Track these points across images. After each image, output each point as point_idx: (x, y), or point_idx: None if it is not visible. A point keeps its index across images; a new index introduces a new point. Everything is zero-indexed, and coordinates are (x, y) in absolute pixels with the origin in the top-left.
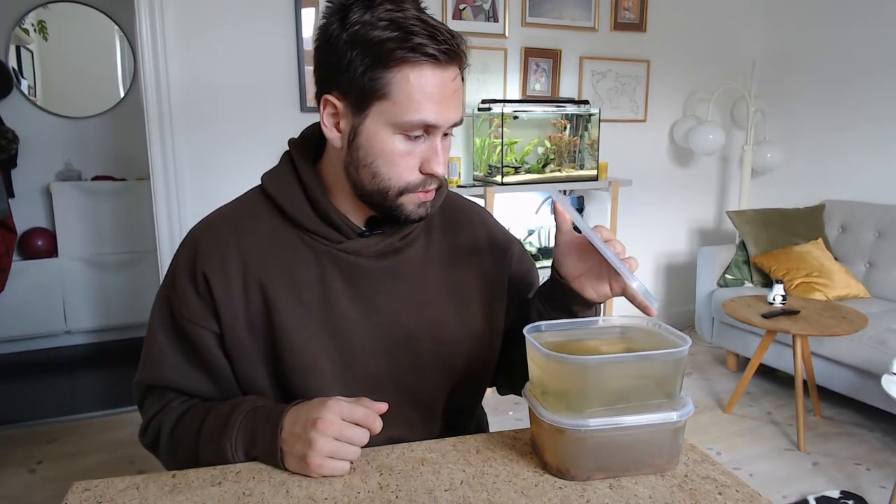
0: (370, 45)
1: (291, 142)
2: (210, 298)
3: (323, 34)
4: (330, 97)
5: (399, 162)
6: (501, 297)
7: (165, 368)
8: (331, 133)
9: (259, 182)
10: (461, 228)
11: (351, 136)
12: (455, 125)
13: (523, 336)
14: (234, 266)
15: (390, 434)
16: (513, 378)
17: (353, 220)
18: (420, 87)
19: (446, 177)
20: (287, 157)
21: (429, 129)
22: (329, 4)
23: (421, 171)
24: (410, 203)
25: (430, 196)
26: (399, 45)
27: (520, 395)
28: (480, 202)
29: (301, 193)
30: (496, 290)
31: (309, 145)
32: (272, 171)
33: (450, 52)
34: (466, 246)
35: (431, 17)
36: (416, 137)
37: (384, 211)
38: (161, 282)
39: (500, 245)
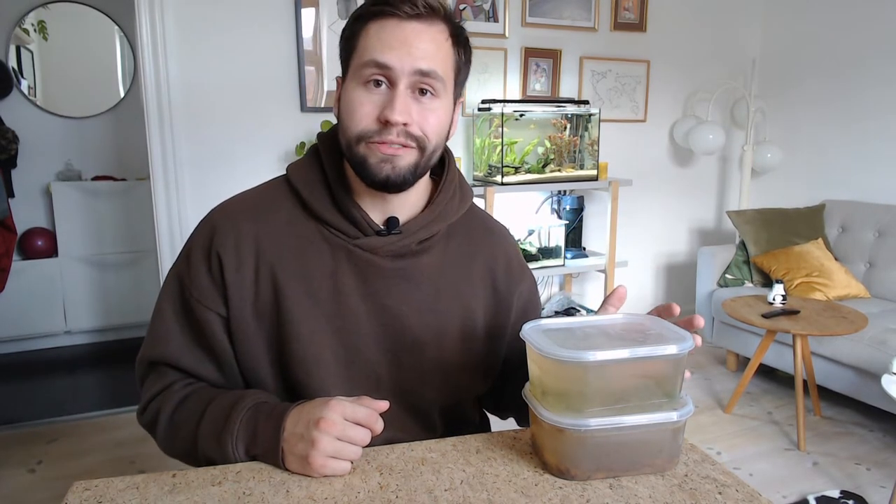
0: (352, 19)
1: (320, 135)
2: (221, 280)
3: None
4: (338, 77)
5: (357, 109)
6: (506, 322)
7: (170, 345)
8: (335, 110)
9: (260, 179)
10: (482, 244)
11: (340, 103)
12: (423, 75)
13: (507, 370)
14: (248, 251)
15: (387, 436)
16: (501, 403)
17: (373, 217)
18: (377, 34)
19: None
20: (314, 150)
21: (388, 75)
22: None
23: (378, 120)
24: (372, 155)
25: (391, 151)
26: (367, 8)
27: (502, 417)
28: (480, 202)
29: (323, 186)
30: (502, 311)
31: (336, 141)
32: (298, 162)
33: (413, 6)
34: (483, 262)
35: None
36: (377, 86)
37: (360, 172)
38: (162, 280)
39: (516, 271)
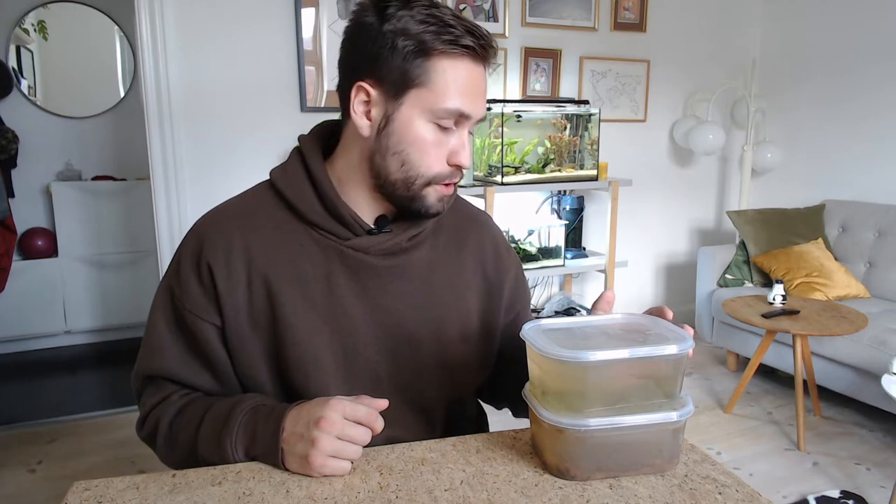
0: (411, 35)
1: (301, 138)
2: (213, 290)
3: (357, 25)
4: (364, 84)
5: (431, 151)
6: (498, 307)
7: (165, 359)
8: (360, 120)
9: (259, 179)
10: (469, 233)
11: (382, 124)
12: (480, 120)
13: (501, 358)
14: (239, 259)
15: (388, 434)
16: (496, 395)
17: (363, 217)
18: (456, 77)
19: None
20: (297, 152)
21: (460, 120)
22: (360, 2)
23: (448, 163)
24: (433, 195)
25: (451, 191)
26: (439, 37)
27: (497, 408)
28: (480, 202)
29: (310, 188)
30: (495, 298)
31: (319, 142)
32: (281, 166)
33: (485, 47)
34: (472, 251)
35: (466, 18)
36: (447, 129)
37: (405, 202)
38: (162, 276)
39: (504, 256)
